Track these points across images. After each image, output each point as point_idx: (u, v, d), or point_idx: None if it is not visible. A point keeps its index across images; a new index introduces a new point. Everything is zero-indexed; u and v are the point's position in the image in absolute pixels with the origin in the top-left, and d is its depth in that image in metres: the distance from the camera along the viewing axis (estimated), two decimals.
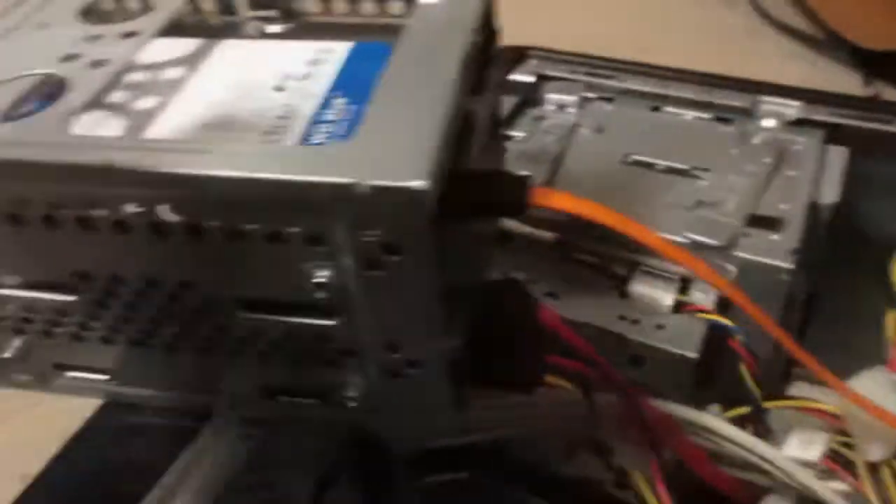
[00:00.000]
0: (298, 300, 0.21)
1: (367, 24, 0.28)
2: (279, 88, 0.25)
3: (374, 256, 0.19)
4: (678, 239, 0.33)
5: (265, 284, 0.21)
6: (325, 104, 0.24)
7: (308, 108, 0.24)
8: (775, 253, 0.32)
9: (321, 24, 0.29)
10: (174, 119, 0.24)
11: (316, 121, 0.23)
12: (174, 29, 0.28)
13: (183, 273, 0.22)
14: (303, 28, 0.28)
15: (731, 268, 0.32)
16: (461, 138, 0.22)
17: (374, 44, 0.26)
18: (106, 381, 0.26)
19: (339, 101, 0.24)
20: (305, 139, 0.22)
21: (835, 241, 0.37)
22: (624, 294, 0.33)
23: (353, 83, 0.25)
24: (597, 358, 0.28)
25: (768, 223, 0.33)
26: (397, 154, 0.18)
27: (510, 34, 0.28)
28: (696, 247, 0.32)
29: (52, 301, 0.24)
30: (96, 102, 0.24)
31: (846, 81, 0.84)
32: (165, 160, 0.19)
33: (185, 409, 0.26)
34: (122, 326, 0.24)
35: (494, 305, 0.27)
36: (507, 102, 0.41)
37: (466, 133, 0.23)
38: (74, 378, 0.27)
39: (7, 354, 0.26)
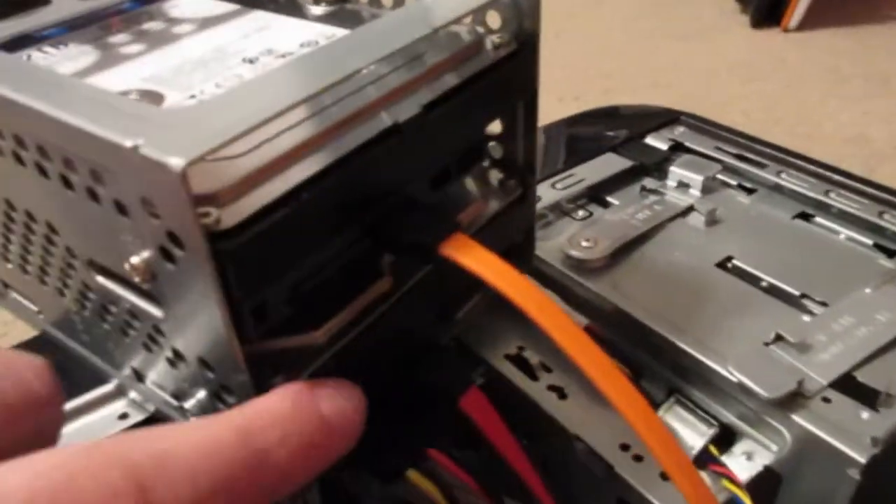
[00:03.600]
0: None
1: None
2: (251, 60, 0.23)
3: (164, 245, 0.16)
4: (722, 372, 0.25)
5: (100, 249, 0.19)
6: None
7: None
8: (852, 436, 0.23)
9: (360, 12, 0.26)
10: (132, 68, 0.23)
11: None
12: None
13: (45, 214, 0.20)
14: (340, 14, 0.26)
15: (787, 436, 0.24)
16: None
17: None
18: (35, 312, 0.26)
19: None
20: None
21: None
22: None
23: None
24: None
25: (864, 393, 0.24)
26: (193, 132, 0.15)
27: None
28: (744, 391, 0.24)
29: None
30: (83, 38, 0.24)
31: None
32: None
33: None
34: (19, 255, 0.23)
35: (418, 372, 0.22)
36: (619, 164, 0.35)
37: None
38: (17, 301, 0.27)
39: None
